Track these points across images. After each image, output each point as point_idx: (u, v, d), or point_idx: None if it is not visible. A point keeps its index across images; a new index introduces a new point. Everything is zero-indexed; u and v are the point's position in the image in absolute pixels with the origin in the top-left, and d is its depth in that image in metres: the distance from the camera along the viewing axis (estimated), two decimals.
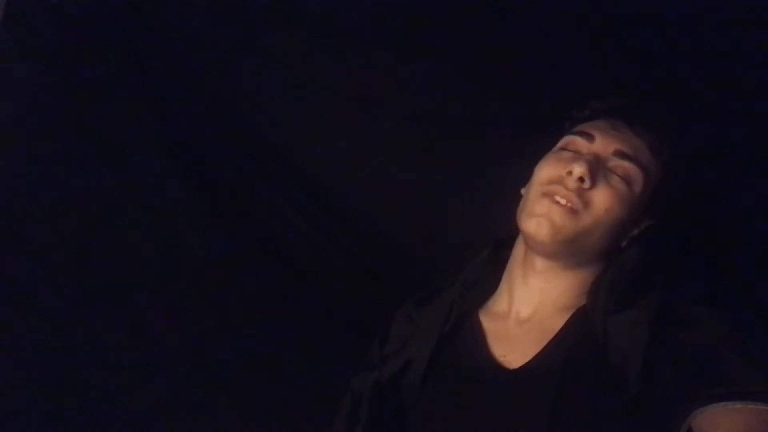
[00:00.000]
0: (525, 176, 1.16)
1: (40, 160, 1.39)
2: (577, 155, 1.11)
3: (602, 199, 1.07)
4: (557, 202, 1.06)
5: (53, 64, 1.41)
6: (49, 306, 1.34)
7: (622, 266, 1.08)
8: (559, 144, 1.17)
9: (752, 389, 0.91)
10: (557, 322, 1.08)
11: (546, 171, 1.12)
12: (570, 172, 1.07)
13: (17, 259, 1.36)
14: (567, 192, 1.06)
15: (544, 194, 1.08)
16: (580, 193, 1.06)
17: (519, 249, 1.16)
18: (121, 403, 1.32)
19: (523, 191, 1.15)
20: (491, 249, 1.22)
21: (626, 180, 1.09)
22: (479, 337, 1.14)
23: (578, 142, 1.13)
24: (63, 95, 1.41)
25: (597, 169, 1.08)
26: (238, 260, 1.44)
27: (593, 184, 1.07)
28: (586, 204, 1.06)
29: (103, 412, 1.31)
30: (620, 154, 1.10)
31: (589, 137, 1.13)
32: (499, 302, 1.17)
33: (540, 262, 1.11)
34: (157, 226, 1.42)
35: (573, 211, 1.06)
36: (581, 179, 1.06)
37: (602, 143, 1.12)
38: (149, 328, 1.37)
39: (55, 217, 1.38)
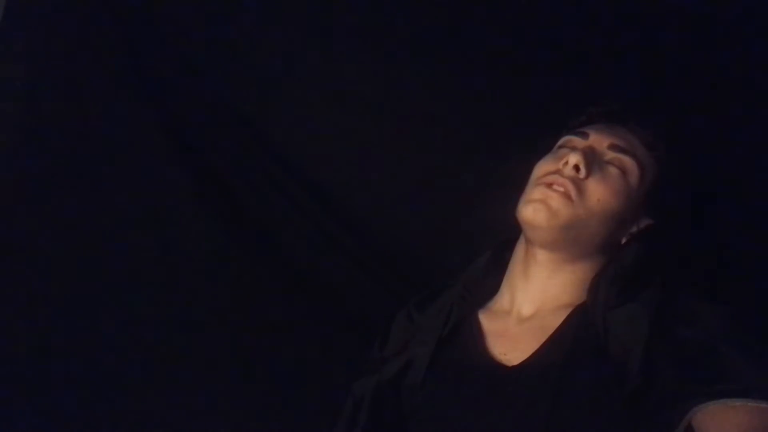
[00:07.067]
0: (526, 179, 1.16)
1: (41, 160, 1.40)
2: (573, 149, 1.12)
3: (597, 188, 1.08)
4: (554, 189, 1.08)
5: (53, 64, 1.41)
6: (49, 305, 1.35)
7: (621, 261, 1.08)
8: (557, 144, 1.19)
9: (752, 387, 0.90)
10: (557, 320, 1.08)
11: (543, 166, 1.13)
12: (566, 163, 1.09)
13: (17, 259, 1.36)
14: (563, 179, 1.08)
15: (540, 183, 1.10)
16: (576, 181, 1.08)
17: (520, 248, 1.16)
18: (119, 402, 1.32)
19: (521, 196, 1.16)
20: (493, 251, 1.23)
21: (622, 171, 1.10)
22: (478, 336, 1.14)
23: (574, 140, 1.15)
24: (63, 95, 1.42)
25: (593, 160, 1.10)
26: (238, 262, 1.44)
27: (588, 174, 1.08)
28: (581, 192, 1.07)
29: (102, 411, 1.31)
30: (615, 148, 1.12)
31: (585, 135, 1.15)
32: (500, 302, 1.18)
33: (541, 255, 1.11)
34: (158, 226, 1.43)
35: (568, 197, 1.07)
36: (576, 168, 1.08)
37: (597, 139, 1.13)
38: (149, 328, 1.37)
39: (55, 216, 1.38)
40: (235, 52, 1.49)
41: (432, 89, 1.46)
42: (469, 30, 1.44)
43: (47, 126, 1.42)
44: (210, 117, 1.49)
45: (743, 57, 1.32)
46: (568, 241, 1.09)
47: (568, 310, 1.09)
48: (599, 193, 1.08)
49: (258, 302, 1.42)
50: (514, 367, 1.06)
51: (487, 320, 1.16)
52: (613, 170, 1.10)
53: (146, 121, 1.44)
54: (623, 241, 1.12)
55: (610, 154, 1.11)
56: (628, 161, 1.10)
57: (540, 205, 1.07)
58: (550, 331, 1.07)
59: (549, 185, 1.08)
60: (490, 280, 1.21)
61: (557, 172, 1.09)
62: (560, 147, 1.16)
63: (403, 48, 1.46)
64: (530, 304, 1.13)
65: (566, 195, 1.07)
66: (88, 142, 1.43)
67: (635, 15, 1.38)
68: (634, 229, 1.12)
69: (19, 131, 1.41)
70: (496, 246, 1.23)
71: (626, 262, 1.08)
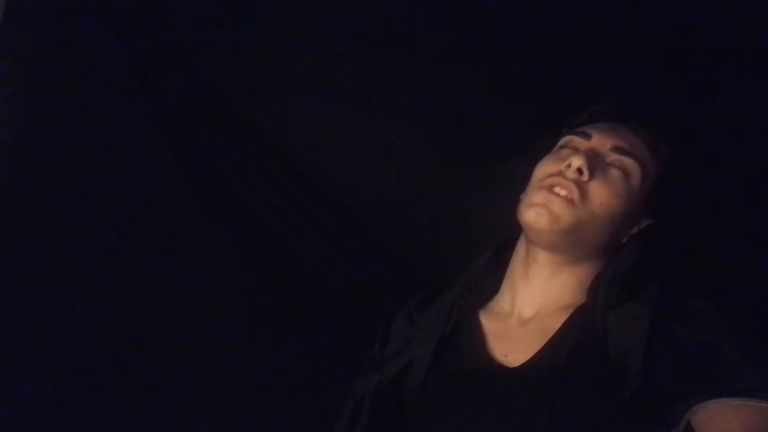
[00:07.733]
0: (526, 179, 1.16)
1: (40, 160, 1.40)
2: (576, 150, 1.12)
3: (600, 191, 1.07)
4: (556, 193, 1.07)
5: (53, 64, 1.41)
6: (47, 303, 1.34)
7: (621, 262, 1.08)
8: (558, 144, 1.18)
9: (752, 386, 0.91)
10: (558, 321, 1.08)
11: (545, 167, 1.13)
12: (569, 165, 1.08)
13: (15, 259, 1.36)
14: (566, 182, 1.07)
15: (543, 186, 1.09)
16: (579, 184, 1.07)
17: (521, 248, 1.16)
18: (118, 403, 1.32)
19: (523, 196, 1.15)
20: (493, 251, 1.23)
21: (624, 174, 1.09)
22: (479, 337, 1.14)
23: (576, 140, 1.15)
24: (62, 95, 1.42)
25: (595, 162, 1.09)
26: (239, 263, 1.44)
27: (591, 177, 1.08)
28: (584, 195, 1.07)
29: (101, 412, 1.31)
30: (618, 150, 1.11)
31: (587, 135, 1.14)
32: (501, 303, 1.18)
33: (542, 256, 1.11)
34: (160, 227, 1.42)
35: (571, 201, 1.06)
36: (579, 171, 1.07)
37: (600, 140, 1.13)
38: (150, 329, 1.37)
39: (56, 217, 1.38)
40: (235, 51, 1.49)
41: (432, 88, 1.46)
42: (469, 29, 1.44)
43: (46, 126, 1.42)
44: (209, 116, 1.49)
45: (744, 57, 1.32)
46: (570, 243, 1.09)
47: (569, 311, 1.09)
48: (602, 196, 1.07)
49: (257, 302, 1.41)
50: (514, 368, 1.06)
51: (487, 321, 1.16)
52: (615, 172, 1.09)
53: (146, 121, 1.44)
54: (624, 241, 1.12)
55: (613, 156, 1.11)
56: (630, 163, 1.10)
57: (542, 210, 1.07)
58: (551, 333, 1.07)
59: (551, 188, 1.08)
60: (490, 281, 1.21)
61: (559, 174, 1.09)
62: (562, 147, 1.16)
63: (404, 47, 1.46)
64: (531, 305, 1.13)
65: (569, 199, 1.06)
66: (86, 142, 1.42)
67: (636, 15, 1.38)
68: (635, 230, 1.12)
69: (17, 131, 1.41)
70: (496, 246, 1.23)
71: (626, 263, 1.08)
